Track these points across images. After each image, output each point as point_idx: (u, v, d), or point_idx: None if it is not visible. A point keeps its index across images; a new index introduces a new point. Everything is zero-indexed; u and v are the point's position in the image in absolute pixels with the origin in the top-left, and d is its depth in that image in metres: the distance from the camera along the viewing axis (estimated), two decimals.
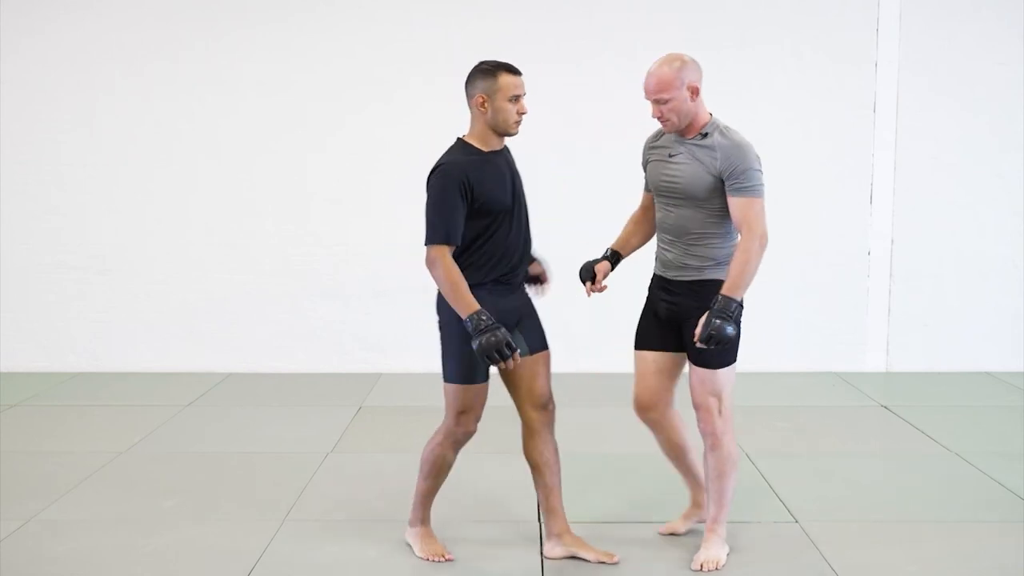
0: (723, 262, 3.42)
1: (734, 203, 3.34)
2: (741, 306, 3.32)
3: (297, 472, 4.54)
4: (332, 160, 6.58)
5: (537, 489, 3.59)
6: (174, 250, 6.64)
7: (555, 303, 6.61)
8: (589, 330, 6.56)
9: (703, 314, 3.33)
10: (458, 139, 3.45)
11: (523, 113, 3.37)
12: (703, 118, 3.44)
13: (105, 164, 6.59)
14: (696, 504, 3.79)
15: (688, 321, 3.43)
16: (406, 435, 5.15)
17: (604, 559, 3.54)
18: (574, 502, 4.09)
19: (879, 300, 6.65)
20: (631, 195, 5.85)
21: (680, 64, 3.39)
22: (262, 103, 6.55)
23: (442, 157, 3.38)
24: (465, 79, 3.39)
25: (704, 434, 3.48)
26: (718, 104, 6.49)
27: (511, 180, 3.43)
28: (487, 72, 3.33)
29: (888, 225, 6.60)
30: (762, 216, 3.34)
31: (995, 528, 3.88)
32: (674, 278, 3.48)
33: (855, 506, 4.10)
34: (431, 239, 3.30)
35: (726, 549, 3.56)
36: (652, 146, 3.59)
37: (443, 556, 3.57)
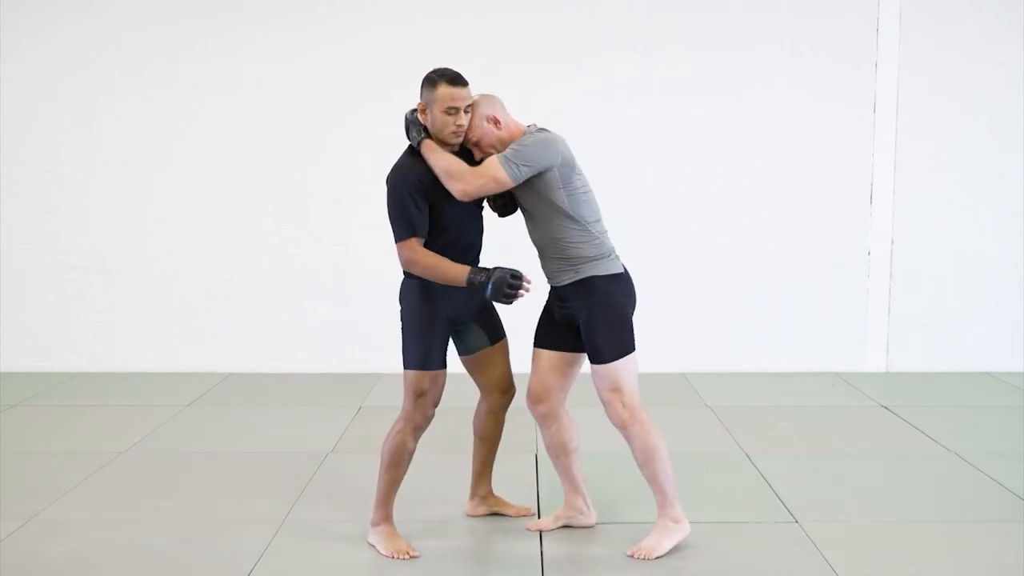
0: (594, 257, 3.50)
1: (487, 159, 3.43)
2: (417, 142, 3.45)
3: (297, 472, 4.54)
4: (332, 160, 6.58)
5: (475, 457, 3.91)
6: (174, 250, 6.64)
7: None
8: None
9: (592, 310, 3.47)
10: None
11: (460, 125, 3.41)
12: (516, 134, 3.51)
13: (105, 164, 6.59)
14: (568, 505, 3.85)
15: (582, 320, 3.52)
16: None
17: (523, 512, 3.94)
18: None
19: (879, 300, 6.65)
20: (632, 195, 5.96)
21: (486, 102, 3.51)
22: (262, 103, 6.55)
23: (398, 159, 3.55)
24: None
25: (615, 427, 3.57)
26: (718, 104, 6.54)
27: None
28: (429, 81, 3.43)
29: (888, 225, 6.60)
30: (487, 174, 3.35)
31: (995, 528, 3.88)
32: (557, 284, 3.58)
33: (855, 506, 4.10)
34: (400, 236, 3.46)
35: (673, 540, 3.57)
36: None
37: (408, 553, 3.57)
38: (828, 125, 6.55)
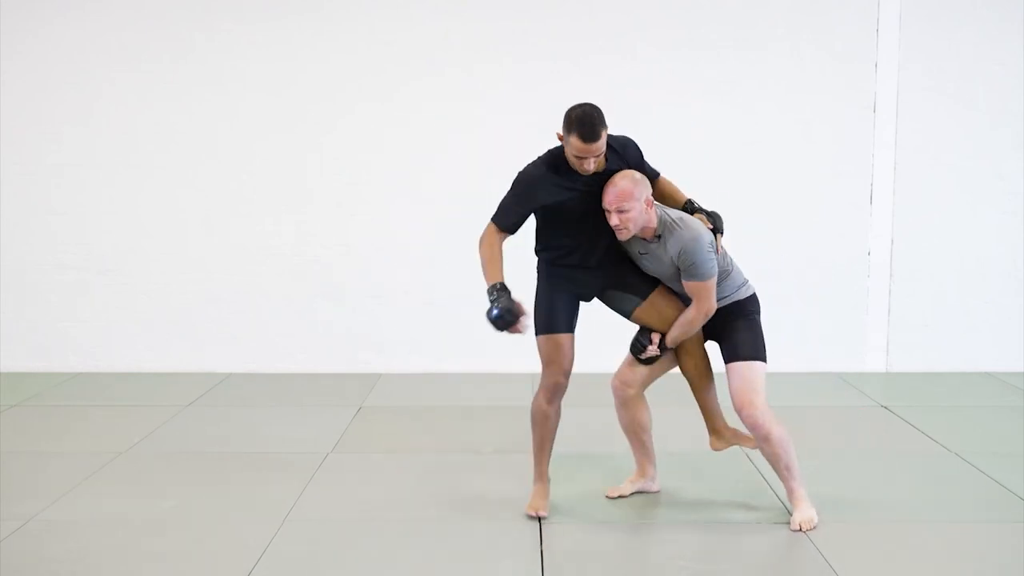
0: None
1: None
2: None
3: (297, 472, 4.54)
4: (332, 160, 6.58)
5: (696, 399, 4.14)
6: (174, 250, 6.64)
7: None
8: (589, 331, 6.55)
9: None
10: (558, 147, 3.73)
11: (587, 171, 3.62)
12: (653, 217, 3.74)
13: (105, 164, 6.59)
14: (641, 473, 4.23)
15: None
16: (406, 435, 5.15)
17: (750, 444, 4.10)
18: (574, 501, 4.10)
19: (879, 300, 6.65)
20: None
21: (643, 186, 3.68)
22: (262, 102, 6.55)
23: (537, 160, 3.76)
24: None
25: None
26: (718, 104, 6.54)
27: (589, 198, 3.70)
28: (567, 122, 3.57)
29: (888, 225, 6.60)
30: (709, 289, 3.79)
31: (995, 528, 3.88)
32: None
33: (855, 506, 4.10)
34: (492, 216, 3.75)
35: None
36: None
37: (537, 511, 3.90)
38: (828, 125, 6.55)
